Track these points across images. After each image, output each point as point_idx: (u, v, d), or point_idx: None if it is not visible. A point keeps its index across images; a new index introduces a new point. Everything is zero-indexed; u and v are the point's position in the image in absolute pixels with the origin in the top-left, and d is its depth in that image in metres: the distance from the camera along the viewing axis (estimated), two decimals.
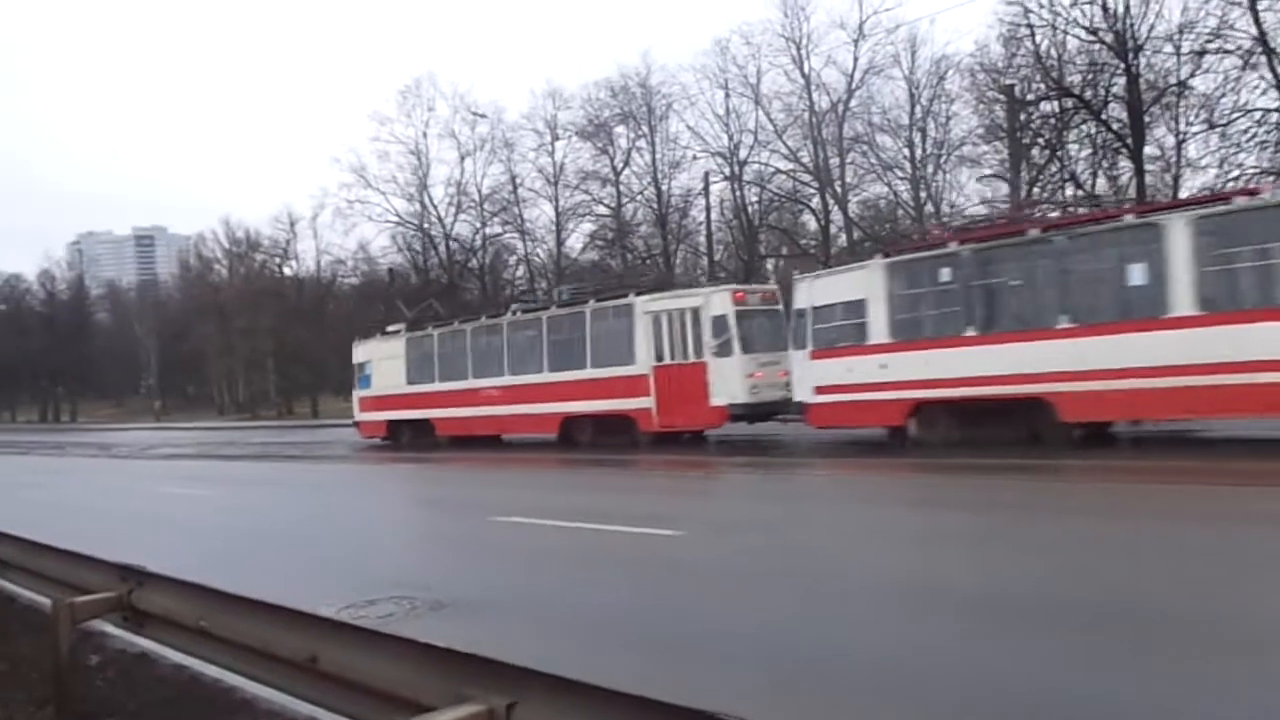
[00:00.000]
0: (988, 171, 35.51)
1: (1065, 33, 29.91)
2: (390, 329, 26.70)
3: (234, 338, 63.41)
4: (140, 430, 45.02)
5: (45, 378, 77.49)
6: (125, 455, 31.61)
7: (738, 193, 42.34)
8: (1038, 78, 30.97)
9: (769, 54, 39.85)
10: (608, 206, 47.60)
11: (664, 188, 45.21)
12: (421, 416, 24.57)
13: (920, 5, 51.33)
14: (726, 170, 41.64)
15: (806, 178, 40.57)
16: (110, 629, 5.55)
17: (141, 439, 39.47)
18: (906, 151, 37.78)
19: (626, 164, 46.47)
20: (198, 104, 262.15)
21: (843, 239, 40.23)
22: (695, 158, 42.86)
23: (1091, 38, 29.37)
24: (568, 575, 7.86)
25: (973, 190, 37.92)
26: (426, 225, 52.30)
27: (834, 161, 39.41)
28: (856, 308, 15.93)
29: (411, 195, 52.05)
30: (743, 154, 41.49)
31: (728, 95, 41.60)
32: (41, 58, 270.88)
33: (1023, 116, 30.47)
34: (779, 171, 41.22)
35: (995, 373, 14.24)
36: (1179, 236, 12.60)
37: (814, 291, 16.70)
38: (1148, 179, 30.35)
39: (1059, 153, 31.16)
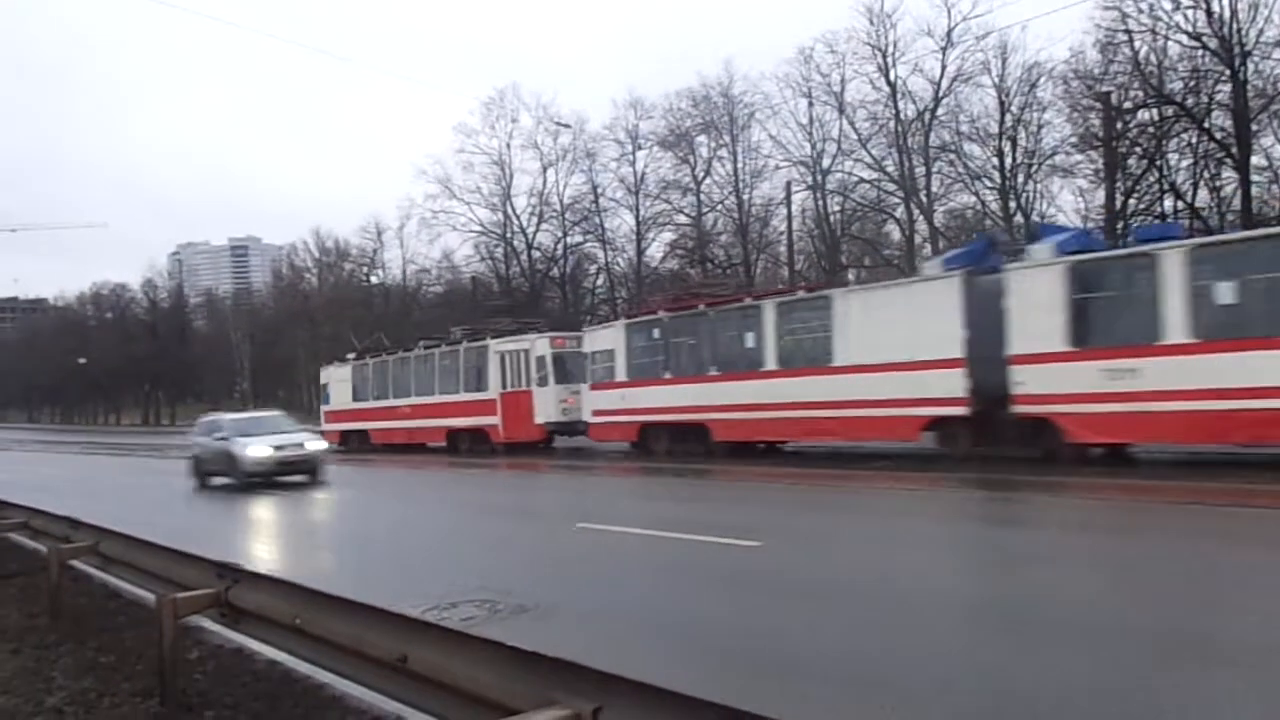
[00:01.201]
0: (1081, 181, 34.54)
1: (1166, 38, 28.96)
2: (348, 356, 33.35)
3: (322, 344, 65.35)
4: None
5: (148, 382, 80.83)
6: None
7: (820, 202, 41.99)
8: (1136, 85, 30.00)
9: (854, 62, 39.47)
10: (688, 216, 47.69)
11: (745, 197, 45.14)
12: (362, 428, 31.43)
13: (1011, 12, 50.23)
14: (809, 179, 41.34)
15: (891, 187, 40.01)
16: (208, 624, 5.79)
17: None
18: (995, 161, 36.91)
19: (707, 173, 46.57)
20: (290, 117, 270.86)
21: (928, 249, 39.53)
22: (777, 167, 42.74)
23: (1194, 43, 28.34)
24: (640, 582, 7.90)
25: (1065, 201, 36.91)
26: (509, 235, 53.15)
27: (919, 171, 38.79)
28: (609, 354, 22.34)
29: (495, 205, 53.01)
30: (825, 163, 41.15)
31: (811, 104, 41.33)
32: (143, 79, 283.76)
33: (1119, 125, 29.54)
34: (862, 181, 40.74)
35: (682, 404, 20.46)
36: (769, 314, 18.93)
37: (592, 340, 23.21)
38: (1254, 189, 29.13)
39: (1158, 162, 30.11)
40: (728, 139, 45.05)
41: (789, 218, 36.73)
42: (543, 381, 24.53)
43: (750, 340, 19.16)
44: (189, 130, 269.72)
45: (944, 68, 37.21)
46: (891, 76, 38.52)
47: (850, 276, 42.96)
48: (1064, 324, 14.58)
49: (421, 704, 3.62)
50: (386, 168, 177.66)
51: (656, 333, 21.42)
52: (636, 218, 48.95)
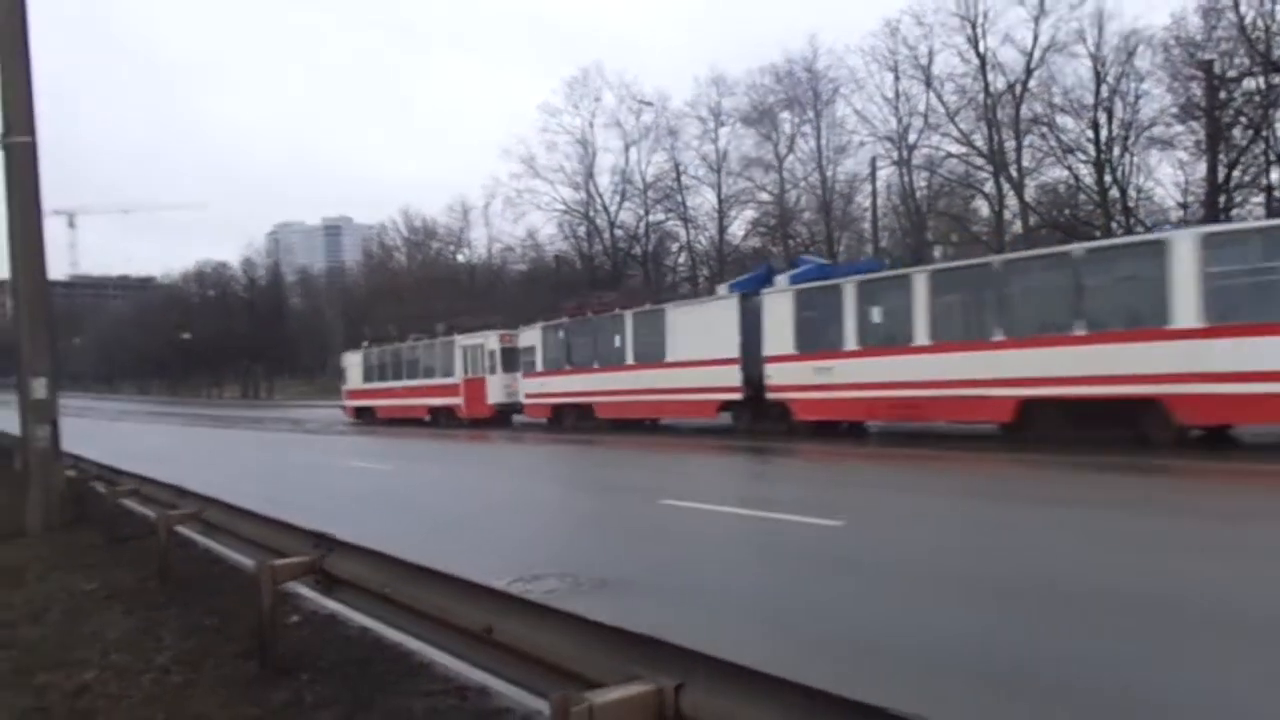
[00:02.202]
0: (1181, 154, 33.01)
1: (1275, 2, 27.39)
2: (363, 344, 40.23)
3: (410, 321, 66.76)
4: (327, 408, 48.12)
5: (247, 357, 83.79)
6: (313, 430, 34.01)
7: (906, 178, 41.07)
8: (1241, 51, 28.50)
9: (942, 34, 38.41)
10: (770, 193, 47.19)
11: (828, 173, 44.46)
12: (370, 405, 37.96)
13: None
14: (894, 155, 40.46)
15: (980, 161, 38.87)
16: (304, 591, 5.98)
17: (328, 416, 42.16)
18: (1090, 133, 35.50)
19: (790, 150, 45.97)
20: (376, 100, 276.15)
21: (1017, 225, 38.36)
22: (861, 143, 41.94)
23: None
24: (725, 560, 7.89)
25: (1164, 174, 35.33)
26: (592, 213, 53.43)
27: (1009, 144, 37.58)
28: (532, 350, 28.28)
29: (578, 184, 53.33)
30: (912, 138, 40.23)
31: (897, 78, 40.40)
32: (233, 63, 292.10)
33: (1223, 94, 28.13)
34: (950, 155, 39.69)
35: (577, 390, 26.25)
36: (629, 322, 24.58)
37: (525, 339, 28.89)
38: None
39: (1264, 133, 28.59)
40: (811, 114, 44.42)
41: (873, 194, 36.01)
42: (493, 370, 30.56)
43: (618, 341, 24.97)
44: (281, 115, 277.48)
45: (1036, 37, 35.96)
46: (981, 48, 37.40)
47: (936, 253, 42.05)
48: (793, 334, 20.09)
49: (506, 674, 3.68)
50: (472, 148, 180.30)
51: (562, 334, 27.40)
52: (718, 195, 48.72)
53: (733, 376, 21.40)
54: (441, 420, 32.59)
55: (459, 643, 3.94)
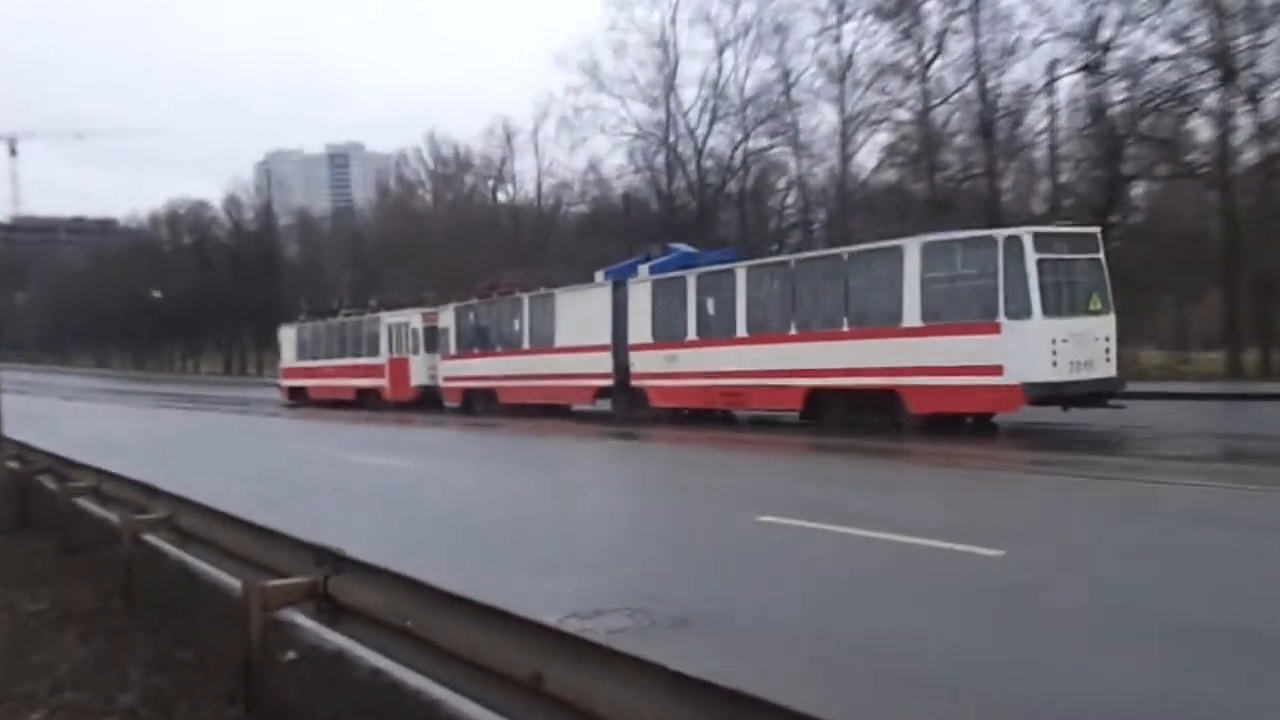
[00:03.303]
0: None
1: None
2: (299, 318, 47.26)
3: (436, 277, 67.59)
4: None
5: (231, 321, 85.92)
6: (310, 416, 35.11)
7: (1097, 89, 40.00)
8: None
9: None
10: (911, 110, 46.43)
11: (990, 84, 43.41)
12: (302, 385, 44.38)
13: None
14: (1080, 59, 39.44)
15: (1201, 66, 37.60)
16: (302, 620, 6.11)
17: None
18: None
19: (938, 53, 45.00)
20: (390, 5, 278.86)
21: (1251, 153, 37.13)
22: (1036, 42, 40.94)
23: None
24: (832, 591, 7.87)
25: None
26: (673, 138, 53.43)
27: (1242, 40, 36.26)
28: (447, 332, 35.00)
29: (655, 99, 53.37)
30: (1105, 34, 39.05)
31: None
32: None
33: None
34: (1156, 60, 38.47)
35: (485, 373, 32.82)
36: (526, 305, 31.36)
37: (441, 317, 35.62)
38: None
39: None
40: (967, 5, 43.40)
41: (1052, 112, 35.27)
42: (416, 350, 36.54)
43: (517, 325, 31.46)
44: (272, 21, 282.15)
45: None
46: None
47: (1136, 191, 41.01)
48: (649, 324, 26.33)
49: None
50: (514, 58, 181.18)
51: (472, 316, 34.19)
52: (841, 114, 48.10)
53: (605, 363, 27.67)
54: (370, 403, 38.39)
55: (498, 693, 3.99)
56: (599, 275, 29.15)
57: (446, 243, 66.20)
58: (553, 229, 63.63)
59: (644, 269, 27.44)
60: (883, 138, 48.44)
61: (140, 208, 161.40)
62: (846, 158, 48.38)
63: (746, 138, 51.63)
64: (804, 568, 8.96)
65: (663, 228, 45.01)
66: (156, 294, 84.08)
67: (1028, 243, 19.13)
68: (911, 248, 20.51)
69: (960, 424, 20.66)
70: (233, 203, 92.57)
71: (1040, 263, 19.00)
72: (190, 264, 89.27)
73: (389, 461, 19.25)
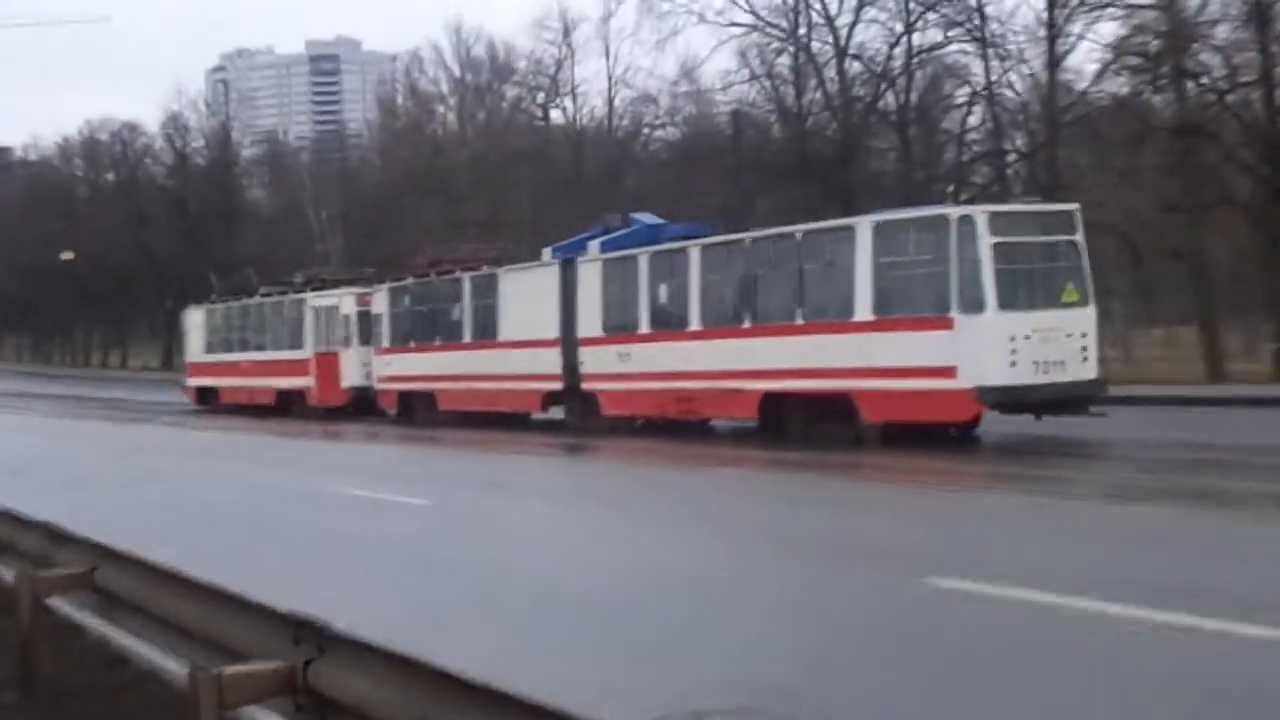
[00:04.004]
0: None
1: None
2: (212, 296, 50.04)
3: (460, 228, 67.47)
4: None
5: (172, 297, 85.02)
6: (289, 433, 36.53)
7: None
8: None
9: None
10: None
11: None
12: (213, 385, 47.27)
13: None
14: None
15: None
16: None
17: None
18: None
19: None
20: None
21: None
22: None
23: None
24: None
25: None
26: (803, 31, 53.10)
27: None
28: (380, 319, 37.47)
29: None
30: None
31: None
32: None
33: None
34: None
35: (422, 373, 35.34)
36: (467, 287, 33.86)
37: (375, 301, 37.80)
38: None
39: None
40: None
41: None
42: (348, 342, 38.76)
43: (456, 313, 33.69)
44: None
45: None
46: None
47: None
48: (600, 313, 28.61)
49: None
50: None
51: (407, 300, 36.72)
52: None
53: (554, 362, 29.98)
54: (296, 408, 40.93)
55: None
56: (546, 252, 32.06)
57: (477, 182, 66.02)
58: (629, 162, 63.56)
59: (594, 245, 30.06)
60: (1108, 30, 47.96)
61: (43, 133, 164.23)
62: (1055, 61, 47.69)
63: (910, 30, 51.26)
64: (1000, 656, 8.85)
65: (794, 161, 44.81)
66: (67, 255, 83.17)
67: (981, 223, 21.58)
68: (863, 227, 23.33)
69: (930, 434, 23.27)
70: (175, 126, 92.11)
71: (998, 247, 21.42)
72: (115, 213, 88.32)
73: (392, 497, 19.37)
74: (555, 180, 60.86)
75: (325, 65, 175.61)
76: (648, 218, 32.08)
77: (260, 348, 43.87)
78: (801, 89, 53.54)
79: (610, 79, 65.11)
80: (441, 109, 79.74)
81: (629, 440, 28.07)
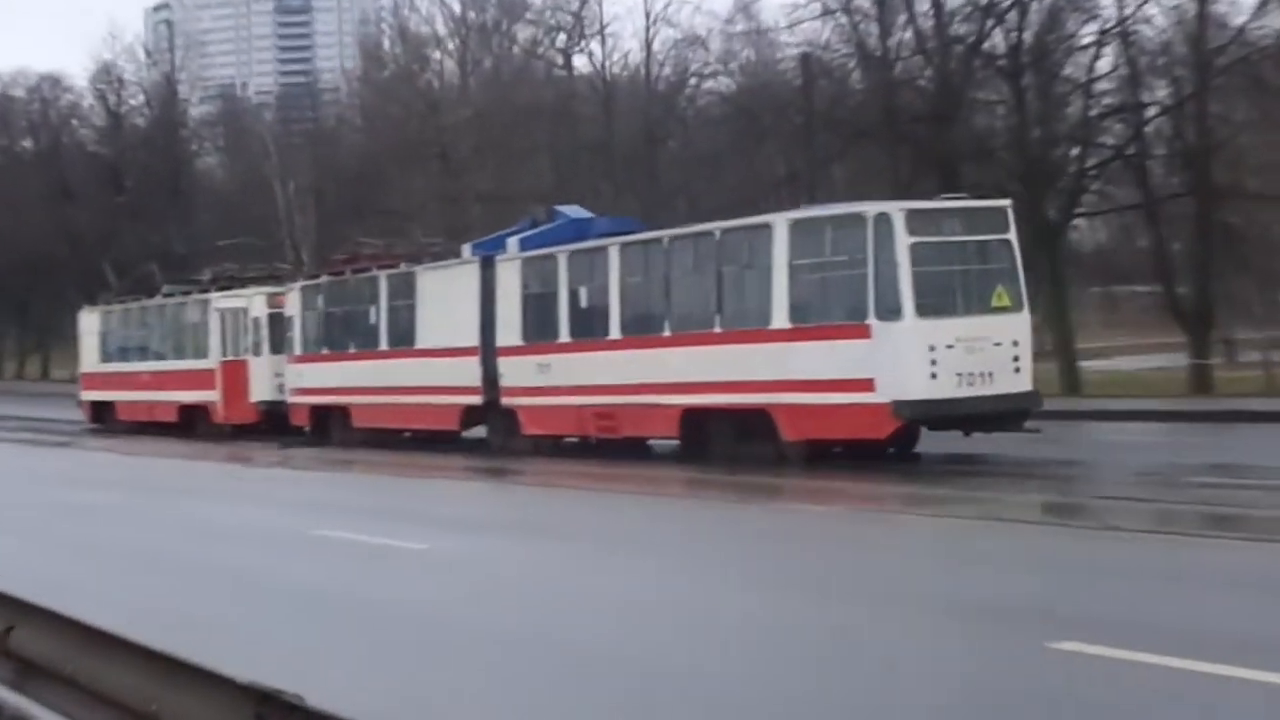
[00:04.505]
0: None
1: None
2: (109, 298, 53.69)
3: (459, 208, 67.45)
4: None
5: (99, 284, 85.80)
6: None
7: None
8: None
9: None
10: None
11: None
12: (107, 399, 51.29)
13: None
14: None
15: None
16: None
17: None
18: None
19: None
20: None
21: None
22: None
23: None
24: None
25: None
26: None
27: None
28: (291, 323, 40.61)
29: None
30: None
31: None
32: None
33: None
34: None
35: (335, 385, 38.76)
36: (383, 286, 37.78)
37: (289, 301, 40.98)
38: None
39: None
40: None
41: None
42: (257, 350, 42.08)
43: (373, 317, 36.79)
44: None
45: None
46: None
47: None
48: (519, 319, 31.58)
49: None
50: None
51: (321, 301, 39.68)
52: None
53: (473, 374, 33.18)
54: (201, 425, 44.57)
55: None
56: (466, 249, 35.37)
57: (481, 148, 66.16)
58: (672, 121, 63.63)
59: (514, 243, 33.54)
60: None
61: None
62: None
63: None
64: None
65: (878, 117, 45.01)
66: None
67: (898, 222, 24.09)
68: (779, 226, 26.34)
69: (865, 454, 26.38)
70: (107, 79, 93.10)
71: (917, 247, 24.01)
72: (35, 184, 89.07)
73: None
74: (579, 144, 60.94)
75: (293, 2, 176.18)
76: (574, 211, 35.17)
77: (161, 356, 47.73)
78: (888, 26, 53.33)
79: (648, 16, 65.36)
80: (438, 55, 79.97)
81: (548, 463, 31.11)
